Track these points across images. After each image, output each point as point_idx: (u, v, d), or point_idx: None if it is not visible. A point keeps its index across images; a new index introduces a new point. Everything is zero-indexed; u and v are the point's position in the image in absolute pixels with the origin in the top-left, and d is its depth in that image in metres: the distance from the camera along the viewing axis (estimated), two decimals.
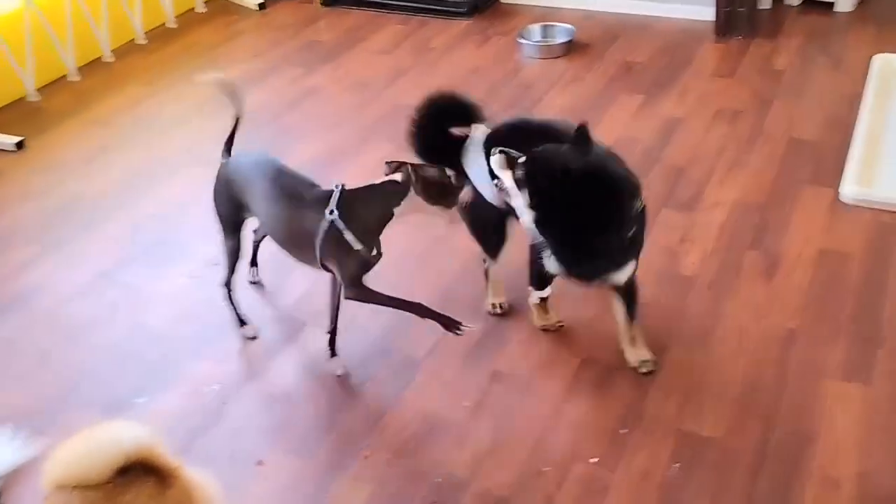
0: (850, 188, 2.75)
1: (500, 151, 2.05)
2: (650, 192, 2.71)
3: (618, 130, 3.25)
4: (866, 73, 3.38)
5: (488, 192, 2.17)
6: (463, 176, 2.20)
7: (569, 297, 2.40)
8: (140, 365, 2.40)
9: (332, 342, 2.29)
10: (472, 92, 3.59)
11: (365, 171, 3.16)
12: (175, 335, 2.49)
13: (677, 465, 1.96)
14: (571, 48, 3.90)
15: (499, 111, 3.46)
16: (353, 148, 3.33)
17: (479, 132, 2.29)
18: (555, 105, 3.48)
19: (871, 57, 3.47)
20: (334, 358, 2.29)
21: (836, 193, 2.78)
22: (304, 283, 2.60)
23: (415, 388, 2.23)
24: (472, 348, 2.33)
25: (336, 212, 2.06)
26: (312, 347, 2.38)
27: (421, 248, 2.74)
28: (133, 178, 3.27)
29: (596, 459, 2.00)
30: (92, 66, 4.08)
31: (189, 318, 2.55)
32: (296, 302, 2.56)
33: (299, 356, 2.37)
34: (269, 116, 3.57)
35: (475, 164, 2.25)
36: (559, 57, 3.87)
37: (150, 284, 2.71)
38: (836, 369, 2.16)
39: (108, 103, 3.79)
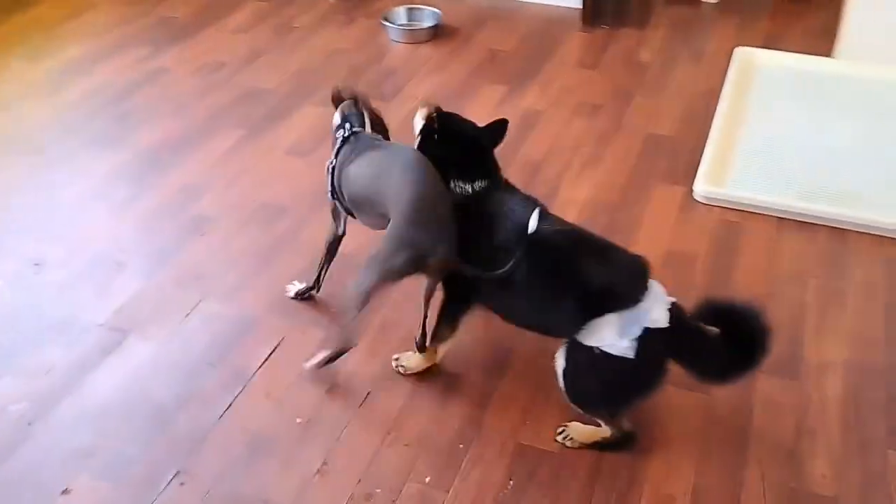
0: (702, 185, 2.74)
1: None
2: None
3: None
4: (727, 67, 3.39)
5: None
6: None
7: (408, 305, 2.30)
8: None
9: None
10: (333, 76, 3.47)
11: (211, 160, 2.98)
12: None
13: (511, 482, 1.89)
14: (437, 33, 3.78)
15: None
16: (198, 136, 3.12)
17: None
18: (417, 93, 3.35)
19: (732, 50, 3.49)
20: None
21: (689, 191, 2.76)
22: (129, 289, 2.40)
23: (243, 404, 2.08)
24: (310, 358, 2.19)
25: None
26: (134, 360, 2.20)
27: (264, 249, 2.57)
28: None
29: (429, 479, 1.90)
30: None
31: (1, 327, 2.32)
32: (120, 309, 2.36)
33: (118, 371, 2.18)
34: (106, 100, 3.31)
35: None
36: (424, 42, 3.74)
37: None
38: (677, 377, 2.12)
39: None
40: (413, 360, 2.14)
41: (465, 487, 1.88)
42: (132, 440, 2.00)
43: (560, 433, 1.98)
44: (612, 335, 1.80)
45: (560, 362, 1.92)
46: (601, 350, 1.82)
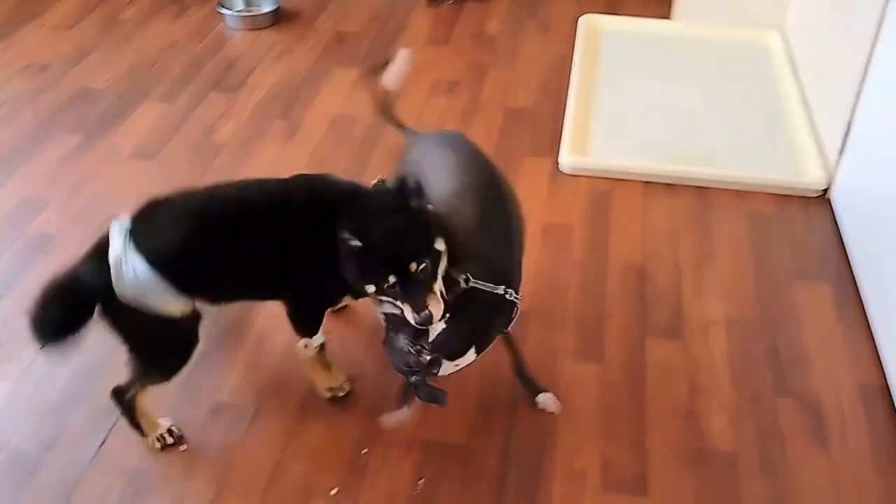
0: (567, 157, 2.75)
1: None
2: (370, 180, 2.53)
3: (334, 108, 3.03)
4: (574, 35, 3.42)
5: None
6: None
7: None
8: None
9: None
10: (171, 71, 3.24)
11: (47, 171, 2.71)
12: None
13: (422, 480, 1.82)
14: (279, 17, 3.60)
15: (203, 90, 3.13)
16: (29, 145, 2.82)
17: None
18: (265, 82, 3.18)
19: (577, 17, 3.52)
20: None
21: (556, 162, 2.76)
22: None
23: (117, 440, 1.89)
24: (189, 376, 2.02)
25: None
26: None
27: None
28: None
29: (335, 490, 1.80)
30: None
31: None
32: None
33: None
34: None
35: None
36: (266, 28, 3.55)
37: None
38: (570, 350, 2.12)
39: None
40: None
41: (374, 493, 1.80)
42: None
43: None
44: None
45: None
46: None
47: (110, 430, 1.90)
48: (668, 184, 2.69)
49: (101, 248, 1.71)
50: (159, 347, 1.79)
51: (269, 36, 3.50)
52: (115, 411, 1.92)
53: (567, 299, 2.27)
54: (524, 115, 3.02)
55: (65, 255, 2.34)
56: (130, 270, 1.66)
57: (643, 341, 2.15)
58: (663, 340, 2.15)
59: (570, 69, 3.18)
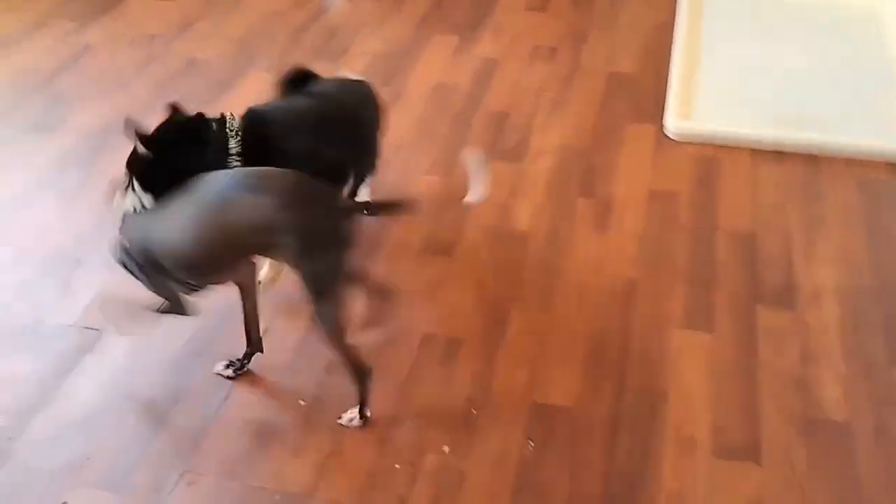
0: (673, 122, 2.71)
1: None
2: (477, 143, 2.56)
3: (435, 76, 3.05)
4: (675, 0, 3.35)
5: None
6: None
7: (401, 268, 2.22)
8: None
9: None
10: (272, 41, 3.30)
11: None
12: None
13: (531, 442, 1.85)
14: None
15: (306, 59, 3.18)
16: (142, 113, 2.92)
17: None
18: (367, 50, 3.22)
19: None
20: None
21: (660, 129, 2.73)
22: (94, 283, 2.25)
23: (239, 394, 1.98)
24: (302, 336, 2.10)
25: None
26: (113, 359, 2.06)
27: None
28: None
29: (447, 448, 1.85)
30: None
31: None
32: (88, 306, 2.21)
33: (98, 372, 2.04)
34: (35, 82, 3.08)
35: None
36: None
37: None
38: (679, 318, 2.12)
39: None
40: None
41: (485, 453, 1.83)
42: (127, 444, 1.88)
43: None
44: None
45: None
46: None
47: (233, 383, 1.99)
48: (776, 151, 2.63)
49: None
50: None
51: (368, 4, 3.54)
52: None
53: (675, 267, 2.25)
54: (626, 80, 2.99)
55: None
56: None
57: (753, 309, 2.12)
58: (774, 308, 2.13)
59: (673, 34, 3.13)
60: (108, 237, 2.30)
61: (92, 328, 2.13)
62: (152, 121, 2.88)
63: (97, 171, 2.66)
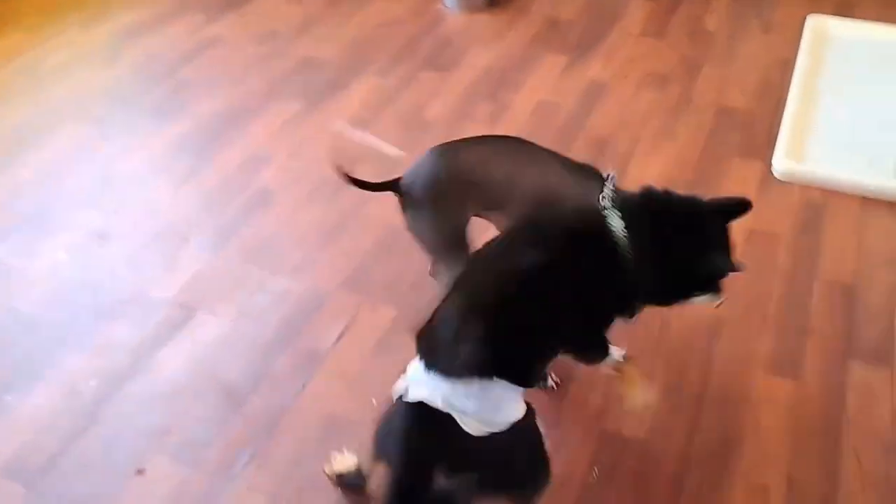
0: (781, 162, 2.63)
1: None
2: None
3: (540, 94, 3.06)
4: (799, 36, 3.25)
5: None
6: None
7: None
8: (7, 357, 2.14)
9: None
10: (386, 47, 3.38)
11: (271, 132, 2.92)
12: (47, 322, 2.22)
13: (596, 470, 1.83)
14: (495, 0, 3.67)
15: (417, 68, 3.25)
16: (257, 106, 3.05)
17: None
18: (477, 64, 3.26)
19: (804, 18, 3.35)
20: None
21: (767, 167, 2.65)
22: (195, 263, 2.36)
23: (316, 385, 2.03)
24: (384, 334, 2.14)
25: None
26: (203, 338, 2.15)
27: (330, 223, 2.51)
28: (10, 136, 2.93)
29: None
30: None
31: (64, 301, 2.28)
32: (187, 284, 2.31)
33: (188, 348, 2.13)
34: (162, 69, 3.25)
35: None
36: (481, 10, 3.63)
37: (24, 261, 2.42)
38: (765, 362, 2.05)
39: None
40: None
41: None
42: (205, 421, 1.96)
43: None
44: None
45: None
46: None
47: (311, 374, 2.04)
48: (889, 201, 2.52)
49: None
50: None
51: (484, 18, 3.57)
52: (316, 357, 2.07)
53: (767, 309, 2.19)
54: (737, 115, 2.92)
55: (283, 211, 2.56)
56: None
57: (846, 362, 2.04)
58: (871, 363, 2.04)
59: (791, 72, 3.04)
60: (214, 221, 2.41)
61: (187, 306, 2.23)
62: (262, 114, 2.97)
63: (207, 157, 2.79)
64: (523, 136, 2.89)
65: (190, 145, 2.85)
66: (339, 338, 2.14)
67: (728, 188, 2.59)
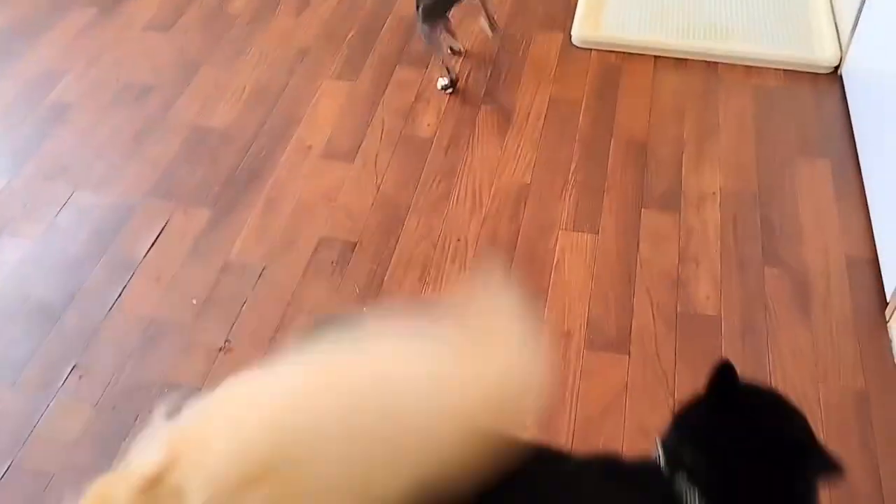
0: (579, 30, 2.73)
1: None
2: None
3: None
4: None
5: None
6: None
7: (298, 174, 2.25)
8: None
9: None
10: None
11: (64, 42, 2.76)
12: None
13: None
14: None
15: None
16: (46, 17, 2.87)
17: None
18: None
19: None
20: None
21: (567, 37, 2.75)
22: None
23: (133, 292, 2.02)
24: (197, 238, 2.14)
25: None
26: (9, 261, 2.08)
27: (133, 130, 2.44)
28: None
29: None
30: None
31: None
32: None
33: None
34: None
35: None
36: None
37: None
38: (567, 221, 2.19)
39: None
40: None
41: None
42: (20, 341, 1.92)
43: None
44: None
45: None
46: None
47: (127, 282, 2.03)
48: (678, 58, 2.67)
49: None
50: None
51: None
52: (130, 265, 2.05)
53: (568, 172, 2.31)
54: None
55: (83, 124, 2.46)
56: None
57: (639, 212, 2.20)
58: (659, 210, 2.21)
59: None
60: (9, 141, 2.26)
61: None
62: (53, 24, 2.73)
63: None
64: (333, 23, 2.83)
65: None
66: (153, 244, 2.12)
67: (531, 59, 2.68)
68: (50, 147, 2.39)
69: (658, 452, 1.15)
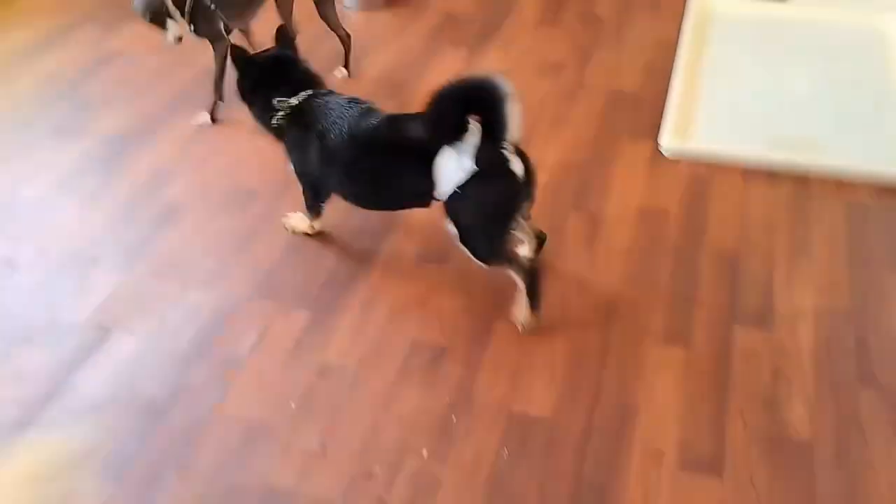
0: (668, 140, 2.78)
1: None
2: None
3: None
4: (683, 16, 3.41)
5: None
6: None
7: (393, 276, 2.34)
8: None
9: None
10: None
11: (177, 144, 2.94)
12: None
13: (506, 451, 1.95)
14: None
15: (320, 72, 3.29)
16: (161, 119, 3.07)
17: None
18: (378, 62, 3.33)
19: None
20: None
21: (656, 146, 2.80)
22: (107, 284, 2.39)
23: (234, 393, 2.10)
24: (297, 339, 2.22)
25: None
26: (119, 357, 2.20)
27: (239, 232, 2.57)
28: None
29: (426, 452, 1.95)
30: None
31: None
32: (100, 306, 2.34)
33: (105, 367, 2.17)
34: (61, 86, 3.24)
35: None
36: (381, 8, 3.69)
37: None
38: (658, 334, 2.20)
39: None
40: (297, 220, 2.50)
41: (461, 459, 1.93)
42: (127, 437, 2.01)
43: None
44: (455, 164, 2.03)
45: (451, 228, 2.13)
46: (460, 189, 2.04)
47: (227, 387, 2.11)
48: (769, 172, 2.69)
49: None
50: None
51: (384, 17, 3.64)
52: (233, 366, 2.14)
53: (658, 284, 2.33)
54: (627, 97, 3.06)
55: (193, 224, 2.59)
56: None
57: (731, 328, 2.20)
58: (751, 327, 2.20)
59: (676, 52, 3.19)
60: (124, 239, 2.44)
61: (101, 327, 2.27)
62: (169, 127, 2.98)
63: (113, 174, 2.81)
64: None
65: (94, 163, 2.86)
66: (255, 345, 2.21)
67: (620, 168, 2.73)
68: (160, 246, 2.53)
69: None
